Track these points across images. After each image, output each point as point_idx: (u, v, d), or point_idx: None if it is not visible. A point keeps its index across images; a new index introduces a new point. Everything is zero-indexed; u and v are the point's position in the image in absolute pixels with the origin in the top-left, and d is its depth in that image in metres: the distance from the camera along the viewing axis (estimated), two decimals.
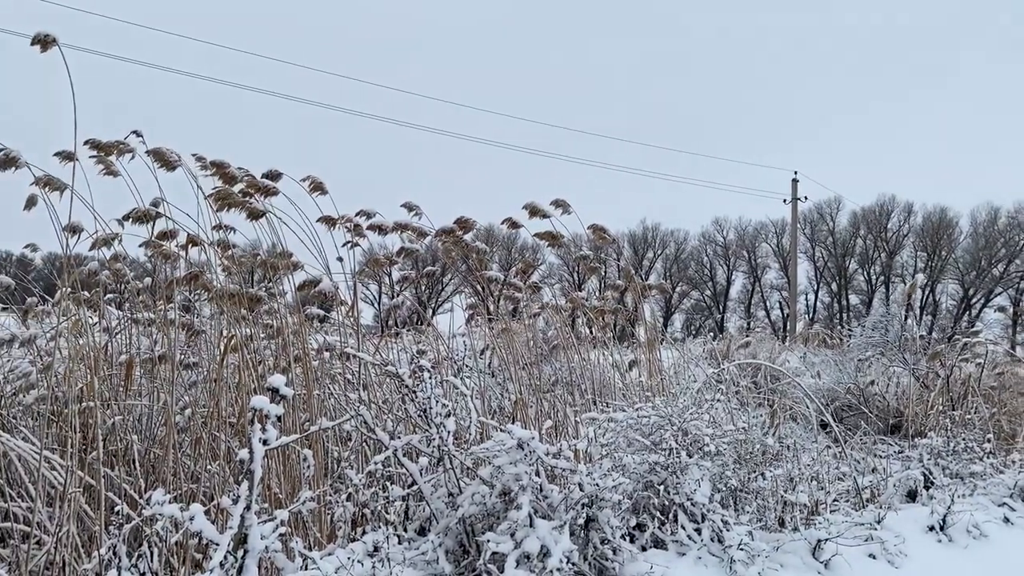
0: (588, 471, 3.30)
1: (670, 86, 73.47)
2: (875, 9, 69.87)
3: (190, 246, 4.29)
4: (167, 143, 4.03)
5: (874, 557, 3.94)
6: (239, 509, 2.43)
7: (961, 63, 70.69)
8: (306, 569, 2.71)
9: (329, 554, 3.02)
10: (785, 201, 32.51)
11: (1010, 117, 69.95)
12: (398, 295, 5.87)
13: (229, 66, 22.10)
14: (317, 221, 4.48)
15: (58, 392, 3.97)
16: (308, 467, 3.37)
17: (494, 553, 2.98)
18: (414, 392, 3.46)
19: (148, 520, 2.68)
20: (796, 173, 31.71)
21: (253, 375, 3.99)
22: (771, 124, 72.87)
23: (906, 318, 10.24)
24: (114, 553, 2.57)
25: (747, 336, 13.54)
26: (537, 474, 3.24)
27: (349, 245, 4.65)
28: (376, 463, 3.41)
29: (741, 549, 3.52)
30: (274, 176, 4.35)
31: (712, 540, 3.62)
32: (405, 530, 3.51)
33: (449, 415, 3.40)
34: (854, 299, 55.61)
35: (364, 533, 3.24)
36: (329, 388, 4.63)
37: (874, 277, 55.02)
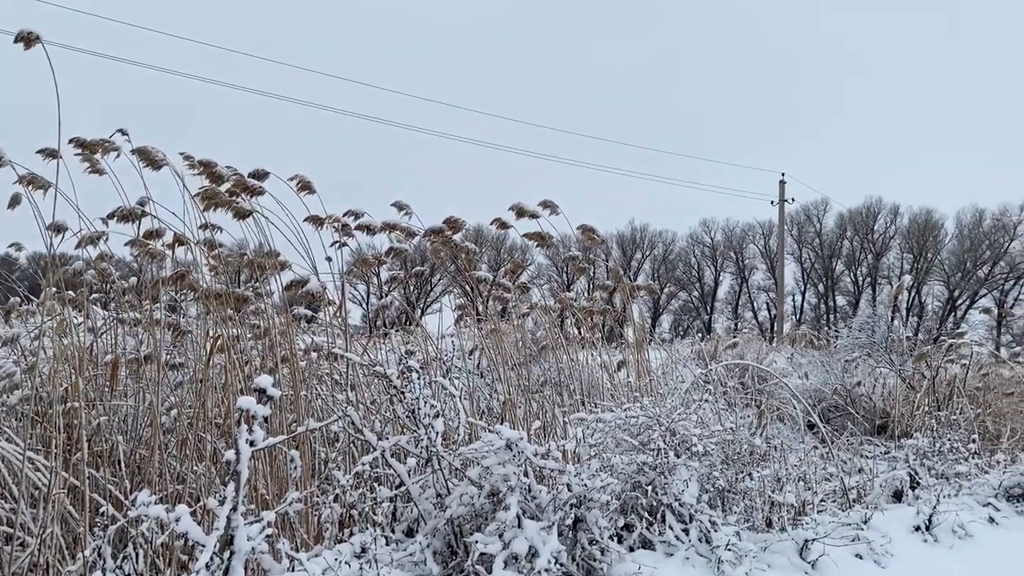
0: (576, 471, 3.31)
1: (659, 88, 73.76)
2: (864, 11, 70.29)
3: (176, 245, 4.27)
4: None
5: (861, 557, 3.97)
6: (225, 510, 2.41)
7: (953, 65, 71.32)
8: (293, 571, 2.70)
9: (316, 555, 3.01)
10: (773, 202, 32.71)
11: (997, 120, 70.61)
12: (386, 295, 5.85)
13: (222, 66, 21.98)
14: (304, 221, 4.47)
15: (42, 392, 3.94)
16: (295, 468, 3.35)
17: (482, 554, 2.98)
18: (402, 393, 3.44)
19: (133, 521, 2.66)
20: (784, 175, 31.95)
21: (240, 376, 3.96)
22: (758, 126, 73.27)
23: (892, 319, 10.30)
24: (99, 555, 2.55)
25: (735, 337, 13.56)
26: (525, 475, 3.23)
27: (337, 245, 4.63)
28: (364, 464, 3.41)
29: (729, 549, 3.54)
30: (261, 175, 4.33)
31: (700, 540, 3.63)
32: (393, 531, 3.50)
33: (437, 416, 3.39)
34: (841, 300, 55.99)
35: (351, 534, 3.22)
36: (317, 389, 4.61)
37: (861, 278, 55.38)
